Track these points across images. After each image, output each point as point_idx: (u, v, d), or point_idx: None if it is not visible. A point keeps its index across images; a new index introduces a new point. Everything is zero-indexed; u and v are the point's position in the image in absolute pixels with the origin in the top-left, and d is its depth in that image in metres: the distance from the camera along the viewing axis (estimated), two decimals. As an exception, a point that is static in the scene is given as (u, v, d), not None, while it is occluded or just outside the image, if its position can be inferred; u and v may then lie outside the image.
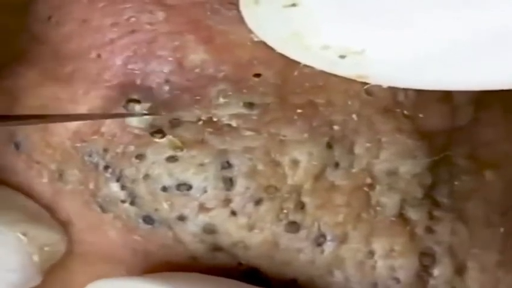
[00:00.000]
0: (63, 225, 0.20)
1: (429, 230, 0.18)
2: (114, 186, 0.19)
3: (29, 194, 0.20)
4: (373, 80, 0.17)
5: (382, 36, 0.15)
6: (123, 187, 0.19)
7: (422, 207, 0.18)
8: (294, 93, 0.18)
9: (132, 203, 0.19)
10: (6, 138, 0.20)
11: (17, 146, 0.20)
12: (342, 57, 0.16)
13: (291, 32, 0.16)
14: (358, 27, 0.16)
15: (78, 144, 0.19)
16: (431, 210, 0.18)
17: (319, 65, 0.17)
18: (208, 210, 0.18)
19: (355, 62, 0.16)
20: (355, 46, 0.16)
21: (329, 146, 0.18)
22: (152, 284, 0.17)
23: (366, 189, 0.18)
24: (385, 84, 0.17)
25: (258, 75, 0.18)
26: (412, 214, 0.18)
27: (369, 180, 0.18)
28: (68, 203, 0.20)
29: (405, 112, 0.18)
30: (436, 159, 0.18)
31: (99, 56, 0.19)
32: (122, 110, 0.19)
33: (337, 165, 0.18)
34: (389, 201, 0.18)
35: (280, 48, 0.17)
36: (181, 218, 0.19)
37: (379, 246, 0.18)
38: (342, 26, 0.16)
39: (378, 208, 0.18)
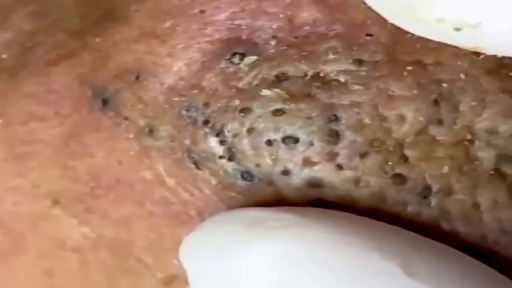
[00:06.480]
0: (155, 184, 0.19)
1: None
2: (213, 141, 0.19)
3: (112, 152, 0.20)
4: (489, 51, 0.17)
5: (499, 7, 0.15)
6: (222, 142, 0.19)
7: None
8: (404, 52, 0.18)
9: (230, 159, 0.19)
10: (93, 95, 0.20)
11: (105, 102, 0.20)
12: (457, 29, 0.16)
13: (403, 3, 0.16)
14: None
15: (176, 99, 0.19)
16: None
17: (432, 37, 0.17)
18: (313, 164, 0.18)
19: (471, 34, 0.16)
20: (471, 18, 0.16)
21: (436, 103, 0.18)
22: (285, 213, 0.17)
23: (465, 143, 0.18)
24: (502, 54, 0.17)
25: (370, 35, 0.19)
26: (508, 169, 0.18)
27: (469, 137, 0.18)
28: (156, 160, 0.19)
29: (510, 74, 0.18)
30: None
31: (202, 11, 0.19)
32: (225, 64, 0.19)
33: (440, 122, 0.18)
34: (486, 156, 0.18)
35: (391, 19, 0.17)
36: (285, 173, 0.18)
37: (483, 198, 0.18)
38: None
39: (476, 162, 0.18)
